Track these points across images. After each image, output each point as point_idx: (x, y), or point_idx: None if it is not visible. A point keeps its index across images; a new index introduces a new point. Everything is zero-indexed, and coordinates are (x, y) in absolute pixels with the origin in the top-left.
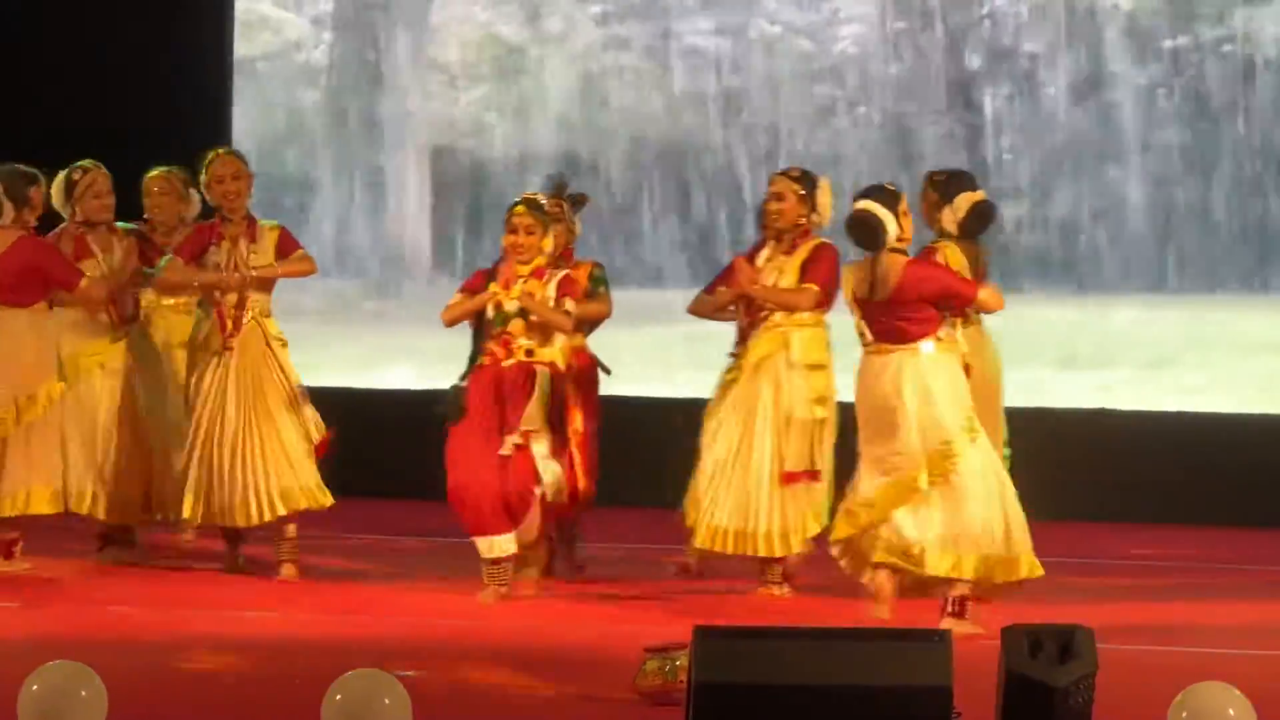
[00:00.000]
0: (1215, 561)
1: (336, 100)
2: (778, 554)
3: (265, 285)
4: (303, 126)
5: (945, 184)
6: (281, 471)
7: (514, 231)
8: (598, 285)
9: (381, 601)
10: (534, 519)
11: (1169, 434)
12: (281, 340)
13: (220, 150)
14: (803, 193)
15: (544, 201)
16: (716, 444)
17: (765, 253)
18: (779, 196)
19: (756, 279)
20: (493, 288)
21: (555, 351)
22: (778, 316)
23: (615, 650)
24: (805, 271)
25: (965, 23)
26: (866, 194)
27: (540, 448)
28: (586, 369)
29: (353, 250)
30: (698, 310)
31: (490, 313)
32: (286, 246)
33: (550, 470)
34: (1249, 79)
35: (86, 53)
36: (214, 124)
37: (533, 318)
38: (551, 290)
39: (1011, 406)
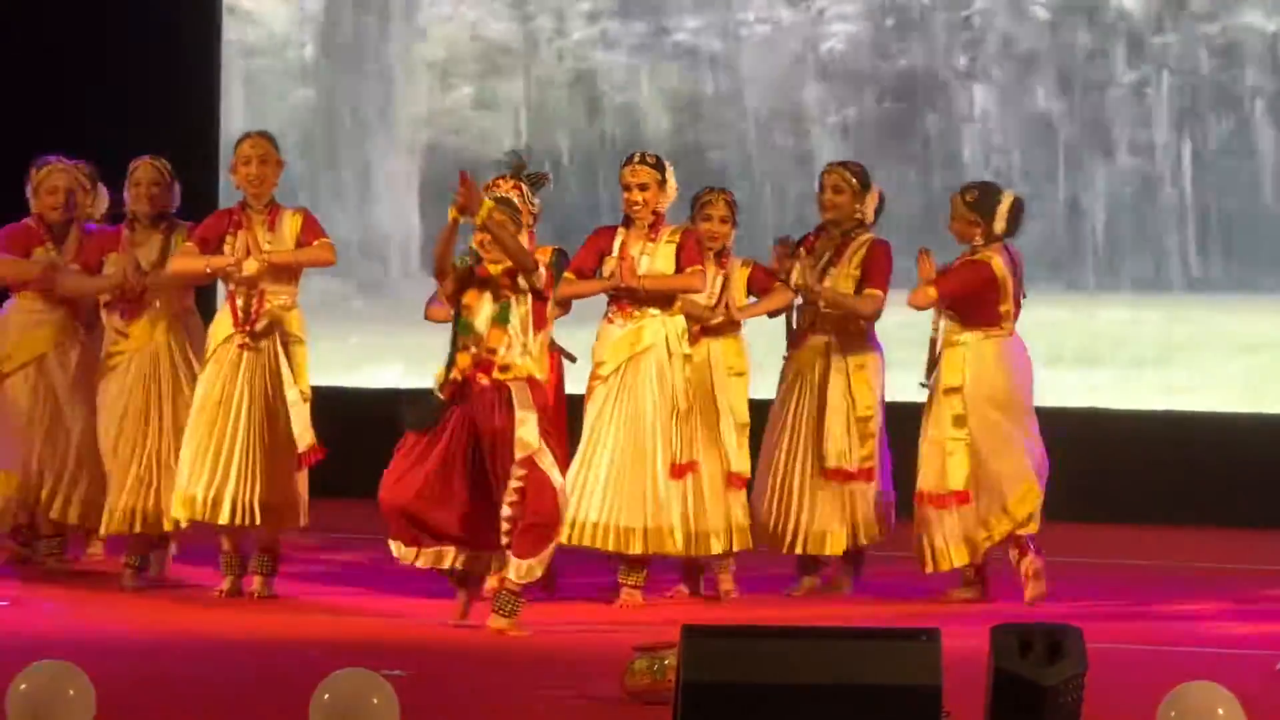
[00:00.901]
0: (1203, 560)
1: (325, 97)
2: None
3: (284, 275)
4: (291, 123)
5: (981, 200)
6: (270, 485)
7: (484, 229)
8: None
9: (368, 601)
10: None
11: (1156, 433)
12: (299, 339)
13: (253, 132)
14: (858, 186)
15: (507, 191)
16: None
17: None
18: (837, 189)
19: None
20: (451, 209)
21: (533, 364)
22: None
23: (604, 649)
24: (866, 275)
25: (952, 20)
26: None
27: (546, 461)
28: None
29: (340, 248)
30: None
31: (463, 322)
32: (308, 234)
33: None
34: (1238, 76)
35: (76, 46)
36: (203, 119)
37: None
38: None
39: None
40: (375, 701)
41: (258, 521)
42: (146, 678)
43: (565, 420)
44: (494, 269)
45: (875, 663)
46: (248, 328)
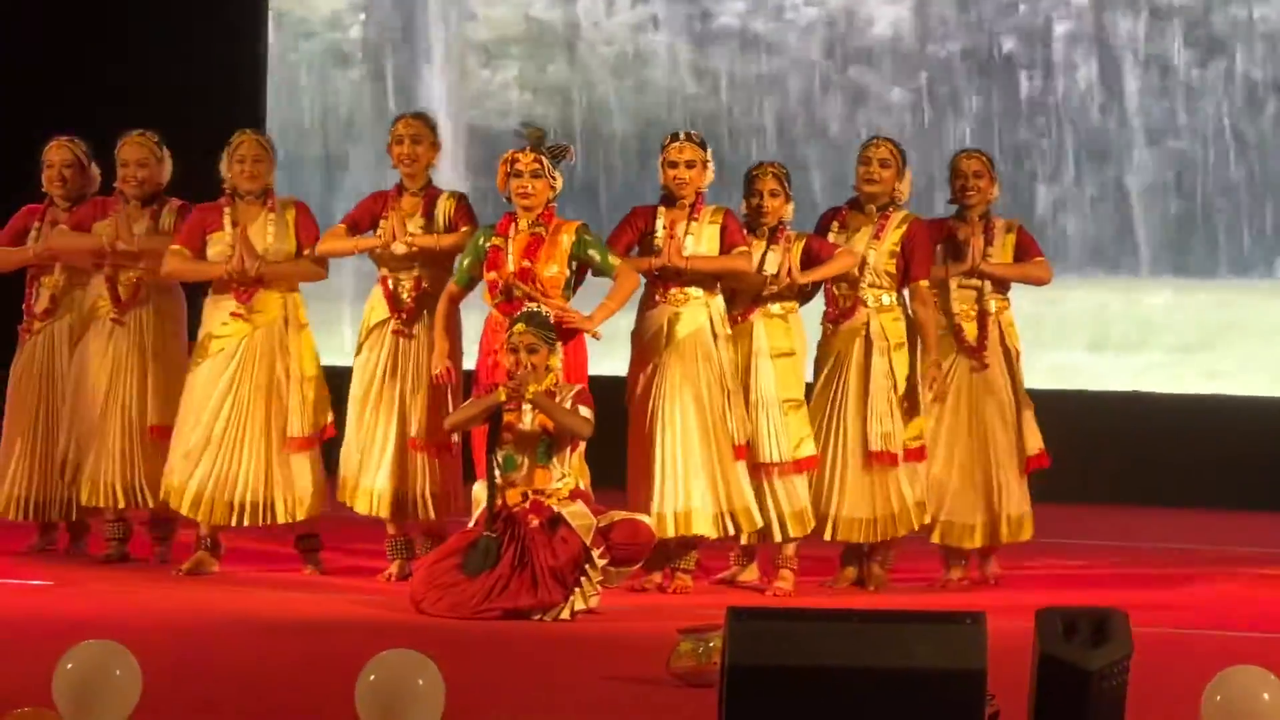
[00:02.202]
0: (1249, 545)
1: (370, 80)
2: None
3: (444, 261)
4: (338, 105)
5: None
6: (432, 476)
7: (514, 351)
8: (588, 249)
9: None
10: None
11: (1201, 417)
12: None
13: (408, 112)
14: (901, 164)
15: (540, 309)
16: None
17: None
18: (885, 163)
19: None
20: (501, 392)
21: (574, 480)
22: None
23: (649, 632)
24: (911, 262)
25: (1000, 4)
26: None
27: (576, 510)
28: (573, 351)
29: None
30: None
31: (500, 457)
32: (460, 219)
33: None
34: None
35: (119, 31)
36: (246, 104)
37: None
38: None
39: (1044, 389)
40: (421, 683)
41: (432, 515)
42: (193, 658)
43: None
44: (527, 423)
45: (920, 646)
46: (401, 314)
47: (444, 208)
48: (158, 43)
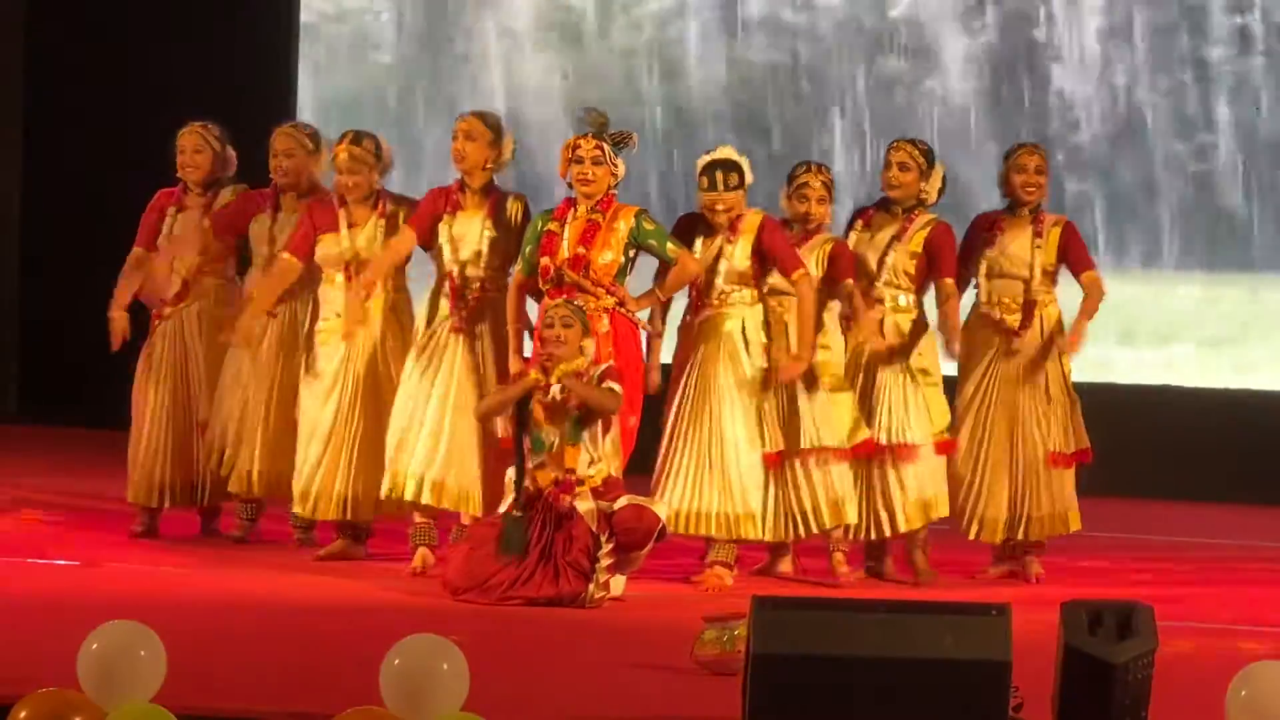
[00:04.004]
0: (1276, 539)
1: (403, 65)
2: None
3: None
4: (366, 91)
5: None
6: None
7: (550, 326)
8: (647, 236)
9: (438, 569)
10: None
11: (1231, 411)
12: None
13: (469, 111)
14: (924, 165)
15: (576, 302)
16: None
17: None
18: (904, 166)
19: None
20: (534, 374)
21: (606, 468)
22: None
23: (674, 620)
24: (936, 262)
25: None
26: None
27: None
28: (628, 337)
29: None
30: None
31: (529, 440)
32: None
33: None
34: None
35: (152, 16)
36: (279, 86)
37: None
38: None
39: (1073, 381)
40: (445, 667)
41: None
42: (218, 639)
43: (641, 390)
44: (555, 391)
45: (945, 637)
46: (462, 311)
47: (512, 210)
48: (191, 27)
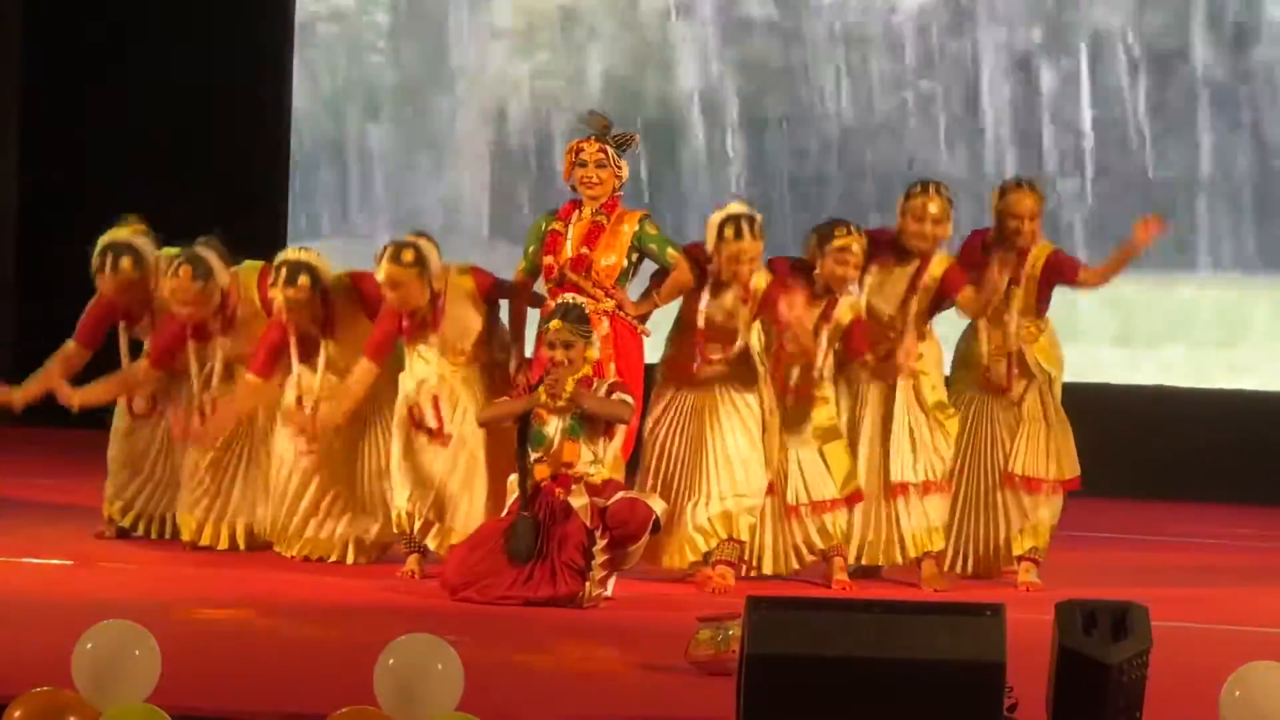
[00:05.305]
0: (1272, 540)
1: (397, 63)
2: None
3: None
4: (363, 89)
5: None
6: None
7: (551, 347)
8: (648, 241)
9: (434, 569)
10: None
11: (1226, 412)
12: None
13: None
14: (952, 211)
15: (581, 303)
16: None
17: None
18: (938, 220)
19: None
20: (540, 393)
21: (605, 471)
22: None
23: (668, 620)
24: (946, 293)
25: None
26: None
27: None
28: (629, 339)
29: (409, 215)
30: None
31: (534, 432)
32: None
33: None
34: None
35: (151, 15)
36: (274, 85)
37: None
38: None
39: (1069, 382)
40: (440, 667)
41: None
42: (212, 639)
43: (643, 395)
44: (561, 400)
45: (940, 637)
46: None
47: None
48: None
